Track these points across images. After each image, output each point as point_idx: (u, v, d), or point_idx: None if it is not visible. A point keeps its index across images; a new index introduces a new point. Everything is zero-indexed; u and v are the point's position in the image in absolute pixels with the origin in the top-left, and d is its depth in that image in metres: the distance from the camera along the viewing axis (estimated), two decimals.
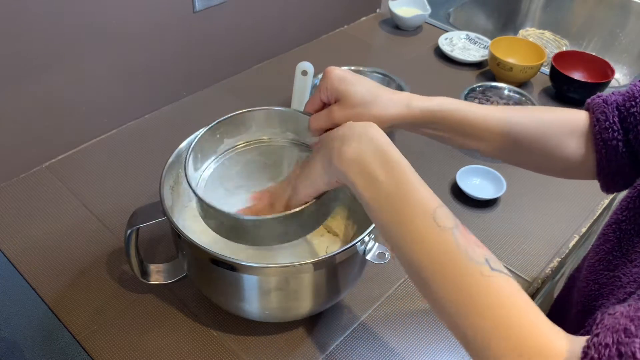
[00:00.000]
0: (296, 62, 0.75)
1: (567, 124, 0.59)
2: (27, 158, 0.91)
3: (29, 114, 0.87)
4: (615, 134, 0.56)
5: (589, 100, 0.60)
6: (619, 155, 0.56)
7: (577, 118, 0.59)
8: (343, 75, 0.57)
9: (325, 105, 0.60)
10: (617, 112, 0.56)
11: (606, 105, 0.57)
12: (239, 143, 0.67)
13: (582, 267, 0.65)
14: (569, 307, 0.68)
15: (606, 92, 1.17)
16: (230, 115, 0.64)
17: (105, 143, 0.98)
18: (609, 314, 0.38)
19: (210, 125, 0.63)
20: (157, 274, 0.71)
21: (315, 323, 0.72)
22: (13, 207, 0.85)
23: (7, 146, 0.87)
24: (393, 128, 0.59)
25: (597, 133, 0.57)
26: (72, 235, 0.81)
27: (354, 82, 0.57)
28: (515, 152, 0.60)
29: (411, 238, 0.45)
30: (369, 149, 0.48)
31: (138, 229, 0.64)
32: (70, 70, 0.88)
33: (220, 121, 0.63)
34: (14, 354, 0.67)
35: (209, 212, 0.59)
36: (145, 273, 0.70)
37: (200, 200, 0.57)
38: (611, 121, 0.56)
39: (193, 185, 0.57)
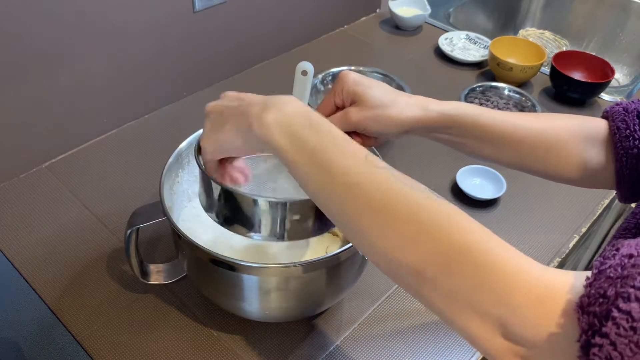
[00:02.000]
0: (296, 62, 0.75)
1: (586, 132, 0.58)
2: (27, 158, 0.91)
3: (29, 114, 0.87)
4: (637, 142, 0.55)
5: (607, 108, 0.59)
6: None
7: (595, 126, 0.58)
8: (359, 78, 0.57)
9: (337, 109, 0.59)
10: (638, 121, 0.55)
11: (627, 114, 0.56)
12: None
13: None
14: None
15: (606, 92, 1.18)
16: None
17: (105, 143, 0.98)
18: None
19: None
20: (157, 274, 0.71)
21: (315, 323, 0.72)
22: (13, 207, 0.85)
23: (7, 146, 0.87)
24: (409, 132, 0.58)
25: (618, 141, 0.56)
26: (72, 235, 0.81)
27: (371, 85, 0.57)
28: (532, 160, 0.59)
29: (345, 187, 0.43)
30: (292, 112, 0.46)
31: (138, 229, 0.64)
32: (70, 70, 0.88)
33: None
34: (14, 354, 0.67)
35: (214, 195, 0.57)
36: (145, 273, 0.70)
37: (206, 177, 0.56)
38: (632, 129, 0.55)
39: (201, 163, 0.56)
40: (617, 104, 0.58)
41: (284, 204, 0.54)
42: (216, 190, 0.56)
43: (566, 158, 0.58)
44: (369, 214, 0.42)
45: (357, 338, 0.71)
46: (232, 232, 0.63)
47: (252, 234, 0.58)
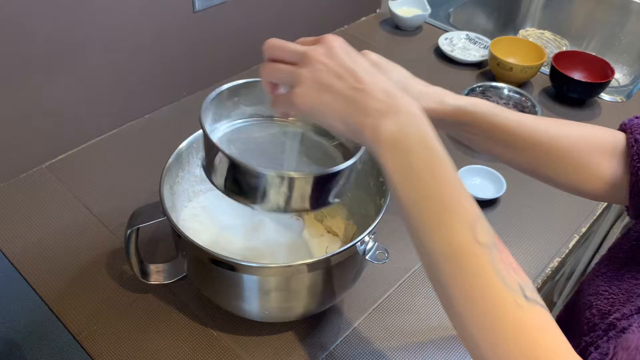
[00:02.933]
0: None
1: (602, 142, 0.56)
2: (27, 158, 0.91)
3: (29, 114, 0.87)
4: None
5: (625, 121, 0.58)
6: None
7: (612, 137, 0.57)
8: (378, 60, 0.54)
9: None
10: None
11: None
12: (257, 115, 0.62)
13: (591, 276, 0.64)
14: (578, 311, 0.66)
15: (606, 92, 1.18)
16: (253, 80, 0.59)
17: (105, 143, 0.98)
18: (623, 348, 0.37)
19: (232, 84, 0.58)
20: (157, 274, 0.71)
21: (315, 323, 0.72)
22: (13, 207, 0.85)
23: (7, 146, 0.87)
24: None
25: (635, 154, 0.54)
26: (72, 235, 0.81)
27: (388, 70, 0.54)
28: (545, 164, 0.58)
29: (444, 247, 0.40)
30: (414, 134, 0.42)
31: (138, 229, 0.64)
32: (71, 70, 0.88)
33: (242, 83, 0.59)
34: (14, 354, 0.67)
35: (219, 162, 0.54)
36: (145, 273, 0.70)
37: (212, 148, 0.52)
38: None
39: (207, 129, 0.54)
40: (636, 117, 0.57)
41: (291, 179, 0.51)
42: (222, 160, 0.53)
43: (579, 167, 0.57)
44: (459, 289, 0.40)
45: (357, 338, 0.71)
46: (232, 234, 0.63)
47: (254, 205, 0.55)
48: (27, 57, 0.82)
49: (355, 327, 0.72)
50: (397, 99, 0.43)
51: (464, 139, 0.59)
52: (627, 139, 0.56)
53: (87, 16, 0.86)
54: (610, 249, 0.61)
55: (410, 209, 0.42)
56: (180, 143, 0.70)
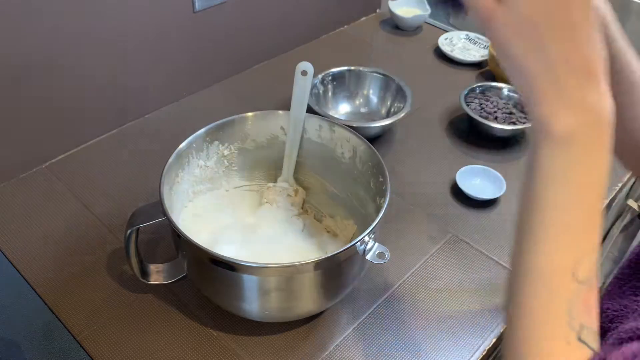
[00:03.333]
0: (296, 62, 0.75)
1: None
2: (27, 158, 0.91)
3: (29, 114, 0.87)
4: None
5: None
6: None
7: None
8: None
9: None
10: None
11: None
12: None
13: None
14: None
15: None
16: None
17: (106, 143, 0.98)
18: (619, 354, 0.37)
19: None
20: (157, 274, 0.71)
21: (315, 323, 0.72)
22: (13, 207, 0.85)
23: (7, 146, 0.87)
24: None
25: None
26: (72, 235, 0.81)
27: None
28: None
29: (541, 262, 0.38)
30: (591, 144, 0.36)
31: (138, 229, 0.64)
32: (70, 70, 0.88)
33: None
34: (14, 354, 0.67)
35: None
36: (145, 273, 0.70)
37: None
38: None
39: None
40: None
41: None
42: None
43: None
44: (522, 311, 0.39)
45: (357, 338, 0.71)
46: (232, 234, 0.63)
47: None
48: (27, 56, 0.82)
49: (355, 327, 0.72)
50: (601, 93, 0.36)
51: None
52: None
53: (88, 16, 0.86)
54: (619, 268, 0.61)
55: (538, 213, 0.38)
56: (180, 143, 0.71)
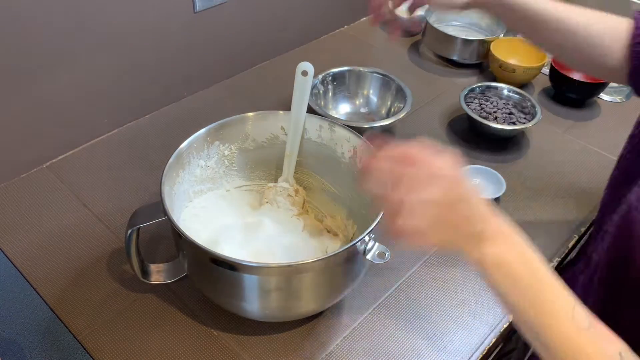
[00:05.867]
0: (296, 62, 0.75)
1: (612, 33, 0.73)
2: (27, 158, 0.91)
3: (30, 114, 0.87)
4: None
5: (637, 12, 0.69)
6: None
7: (621, 28, 0.73)
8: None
9: None
10: None
11: None
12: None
13: None
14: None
15: (605, 92, 1.18)
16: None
17: (105, 143, 0.98)
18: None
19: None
20: (158, 274, 0.71)
21: (315, 323, 0.73)
22: (13, 207, 0.85)
23: (7, 146, 0.87)
24: (471, 6, 0.75)
25: (635, 44, 0.68)
26: (73, 235, 0.82)
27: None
28: (571, 50, 0.72)
29: (555, 337, 0.46)
30: (511, 251, 0.48)
31: (139, 228, 0.64)
32: (71, 70, 0.88)
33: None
34: (15, 354, 0.67)
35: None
36: (145, 273, 0.70)
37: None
38: None
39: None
40: None
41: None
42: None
43: (591, 55, 0.71)
44: None
45: (357, 338, 0.71)
46: (232, 234, 0.63)
47: None
48: (28, 56, 0.82)
49: (355, 327, 0.73)
50: (492, 224, 0.49)
51: (503, 20, 0.79)
52: (632, 29, 0.71)
53: (88, 16, 0.86)
54: None
55: (520, 314, 0.48)
56: (180, 143, 0.71)
